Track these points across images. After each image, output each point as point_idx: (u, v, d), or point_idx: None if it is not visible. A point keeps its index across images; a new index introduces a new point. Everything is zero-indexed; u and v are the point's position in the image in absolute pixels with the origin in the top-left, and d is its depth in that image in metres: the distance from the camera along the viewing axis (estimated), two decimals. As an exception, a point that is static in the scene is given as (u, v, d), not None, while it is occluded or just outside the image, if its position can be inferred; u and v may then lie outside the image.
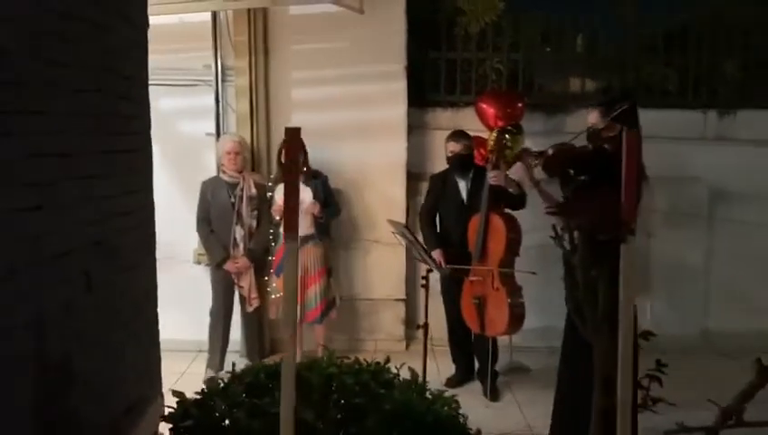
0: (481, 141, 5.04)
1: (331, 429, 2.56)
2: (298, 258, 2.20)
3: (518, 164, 4.00)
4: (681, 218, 5.95)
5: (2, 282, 2.03)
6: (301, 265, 5.20)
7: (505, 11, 5.98)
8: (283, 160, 5.09)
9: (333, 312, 5.43)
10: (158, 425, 2.92)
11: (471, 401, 4.77)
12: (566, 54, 6.27)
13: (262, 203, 5.21)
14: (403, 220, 5.37)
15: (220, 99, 5.72)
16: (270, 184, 5.27)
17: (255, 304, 5.26)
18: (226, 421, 2.61)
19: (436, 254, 4.87)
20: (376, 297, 5.95)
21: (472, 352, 5.21)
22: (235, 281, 5.25)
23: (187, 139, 5.74)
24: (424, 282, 4.50)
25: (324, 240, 5.36)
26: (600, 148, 3.55)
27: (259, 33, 5.63)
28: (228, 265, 5.17)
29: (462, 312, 5.00)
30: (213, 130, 5.73)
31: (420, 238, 4.90)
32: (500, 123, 4.98)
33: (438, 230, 5.19)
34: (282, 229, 5.21)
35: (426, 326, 4.51)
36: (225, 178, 5.22)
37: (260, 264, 5.27)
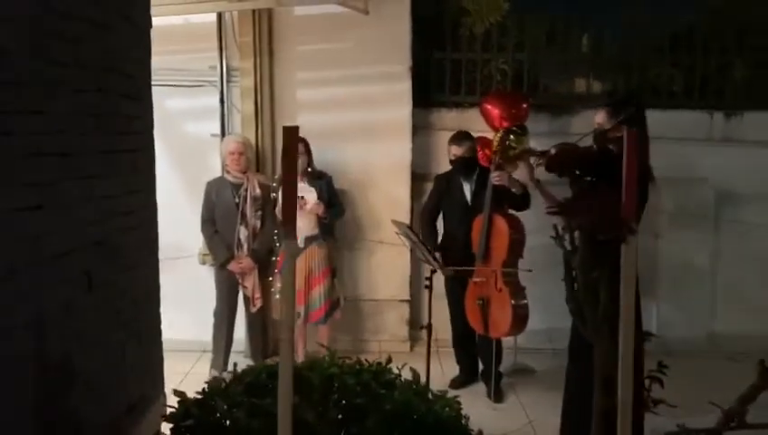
0: (485, 142, 5.02)
1: (331, 429, 2.56)
2: (296, 257, 2.19)
3: (520, 164, 3.99)
4: (687, 220, 5.92)
5: (2, 282, 2.04)
6: (305, 266, 5.21)
7: (510, 11, 5.96)
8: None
9: (337, 312, 5.43)
10: (160, 425, 2.91)
11: (475, 402, 4.78)
12: (571, 55, 6.24)
13: (266, 203, 5.21)
14: (407, 221, 5.36)
15: (225, 99, 5.73)
16: (274, 184, 5.27)
17: (259, 304, 5.26)
18: (227, 421, 2.62)
19: None
20: (380, 298, 5.94)
21: (476, 354, 5.20)
22: (240, 281, 5.26)
23: (192, 139, 5.76)
24: (428, 283, 4.51)
25: (328, 241, 5.36)
26: (604, 149, 3.54)
27: (264, 34, 5.64)
28: (232, 266, 5.18)
29: (466, 313, 4.99)
30: (218, 130, 5.74)
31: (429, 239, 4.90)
32: (505, 124, 4.96)
33: (442, 231, 5.18)
34: (285, 230, 5.25)
35: (429, 327, 4.50)
36: (230, 178, 5.23)
37: (264, 264, 5.27)
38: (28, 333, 2.18)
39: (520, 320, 4.80)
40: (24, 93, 2.14)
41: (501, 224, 4.77)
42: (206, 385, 2.81)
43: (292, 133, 1.75)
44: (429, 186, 5.43)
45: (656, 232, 5.84)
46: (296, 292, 5.11)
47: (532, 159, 3.83)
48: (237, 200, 5.18)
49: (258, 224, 5.22)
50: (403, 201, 5.80)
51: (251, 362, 4.88)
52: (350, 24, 5.56)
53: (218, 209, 5.23)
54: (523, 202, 4.75)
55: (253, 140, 5.57)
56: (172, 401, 2.79)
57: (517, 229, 4.79)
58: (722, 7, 6.14)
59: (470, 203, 5.02)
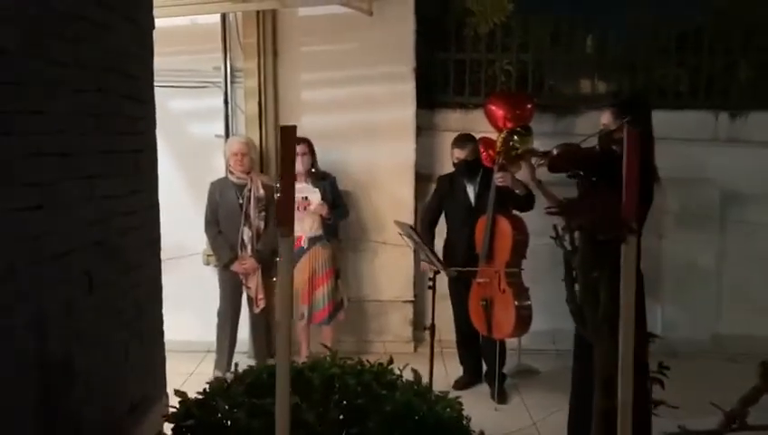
0: (489, 142, 5.01)
1: (331, 429, 2.55)
2: (293, 256, 2.19)
3: (522, 164, 3.98)
4: (693, 220, 5.89)
5: (2, 282, 2.04)
6: (309, 267, 5.22)
7: (515, 12, 5.94)
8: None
9: (341, 313, 5.43)
10: (162, 424, 2.92)
11: (479, 403, 4.77)
12: (576, 55, 6.22)
13: (269, 204, 5.21)
14: (411, 222, 5.35)
15: (229, 100, 5.73)
16: (278, 185, 5.25)
17: (262, 304, 5.26)
18: (228, 421, 2.62)
19: None
20: (384, 299, 5.94)
21: (480, 355, 5.19)
22: (243, 282, 5.26)
23: (196, 140, 5.76)
24: (431, 284, 4.51)
25: (332, 241, 5.36)
26: (607, 149, 3.52)
27: (268, 35, 5.64)
28: (235, 266, 5.18)
29: (469, 314, 4.98)
30: (222, 131, 5.73)
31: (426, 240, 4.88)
32: (509, 125, 4.95)
33: (445, 232, 5.18)
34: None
35: (432, 328, 4.50)
36: (233, 179, 5.23)
37: (267, 265, 5.27)
38: (28, 332, 2.18)
39: (523, 321, 4.78)
40: (23, 93, 2.15)
41: (504, 225, 4.76)
42: (207, 385, 2.82)
43: (289, 133, 1.75)
44: (433, 187, 5.42)
45: (660, 232, 5.81)
46: (300, 292, 5.20)
47: (534, 160, 3.82)
48: (241, 201, 5.18)
49: (262, 224, 5.22)
50: (407, 202, 5.79)
51: (254, 363, 4.89)
52: (353, 25, 5.55)
53: (222, 210, 5.23)
54: (526, 203, 4.73)
55: (256, 141, 5.58)
56: (174, 401, 2.79)
57: (521, 230, 4.78)
58: (727, 8, 6.10)
59: (474, 205, 5.01)
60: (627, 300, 2.04)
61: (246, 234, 5.18)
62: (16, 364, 2.13)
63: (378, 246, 5.84)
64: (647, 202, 3.65)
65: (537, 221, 4.71)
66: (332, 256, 5.33)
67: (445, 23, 6.05)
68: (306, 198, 5.13)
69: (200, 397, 2.73)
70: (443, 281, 4.86)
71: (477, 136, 5.13)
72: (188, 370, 5.23)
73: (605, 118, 3.75)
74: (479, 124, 5.46)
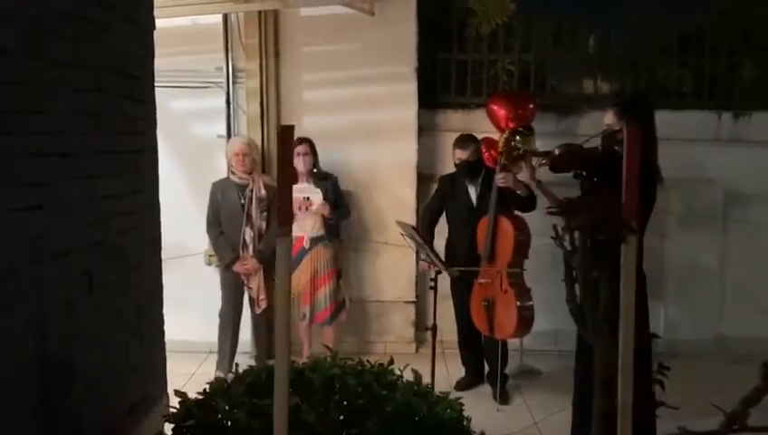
0: (491, 143, 5.00)
1: (332, 430, 2.55)
2: (291, 254, 2.19)
3: (523, 164, 3.98)
4: (695, 220, 5.87)
5: (1, 282, 2.04)
6: (310, 267, 5.21)
7: (516, 11, 5.93)
8: (293, 162, 5.17)
9: (343, 313, 5.43)
10: (162, 425, 2.92)
11: (481, 404, 4.77)
12: (578, 55, 6.21)
13: (271, 204, 5.21)
14: (413, 222, 5.34)
15: (231, 101, 5.74)
16: (280, 185, 5.26)
17: (264, 305, 5.25)
18: (228, 422, 2.61)
19: None
20: (386, 299, 5.93)
21: (482, 355, 5.18)
22: (245, 282, 5.26)
23: (198, 140, 5.77)
24: (433, 284, 4.50)
25: (334, 242, 5.36)
26: (610, 149, 3.51)
27: (270, 36, 5.64)
28: (237, 267, 5.18)
29: (471, 314, 4.98)
30: (224, 131, 5.74)
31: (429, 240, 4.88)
32: (511, 125, 4.94)
33: (447, 233, 5.17)
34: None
35: (434, 329, 4.49)
36: (235, 179, 5.23)
37: (269, 265, 5.25)
38: (28, 332, 2.18)
39: (525, 321, 4.77)
40: (23, 93, 2.15)
41: (506, 225, 4.75)
42: (207, 386, 2.81)
43: (287, 133, 1.74)
44: (435, 187, 5.41)
45: (663, 233, 5.80)
46: (302, 293, 5.20)
47: (536, 160, 3.81)
48: (243, 201, 5.18)
49: (263, 225, 5.22)
50: (409, 202, 5.79)
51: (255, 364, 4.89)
52: (355, 26, 5.55)
53: (224, 210, 5.23)
54: (528, 204, 4.72)
55: (258, 142, 5.58)
56: (174, 401, 2.79)
57: (522, 231, 4.77)
58: (730, 8, 6.09)
59: (475, 205, 5.00)
60: (627, 300, 2.03)
61: (248, 234, 5.18)
62: (16, 364, 2.13)
63: (379, 246, 5.84)
64: (650, 202, 3.64)
65: (539, 221, 4.70)
66: (334, 257, 5.32)
67: (446, 23, 6.03)
68: (308, 198, 5.13)
69: (200, 397, 2.73)
70: (445, 281, 4.86)
71: (479, 136, 5.12)
72: (190, 370, 5.23)
73: (608, 118, 3.75)
74: (481, 124, 5.45)
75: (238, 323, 5.36)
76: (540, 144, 4.98)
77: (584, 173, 3.56)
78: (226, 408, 2.63)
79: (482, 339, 5.10)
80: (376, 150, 5.74)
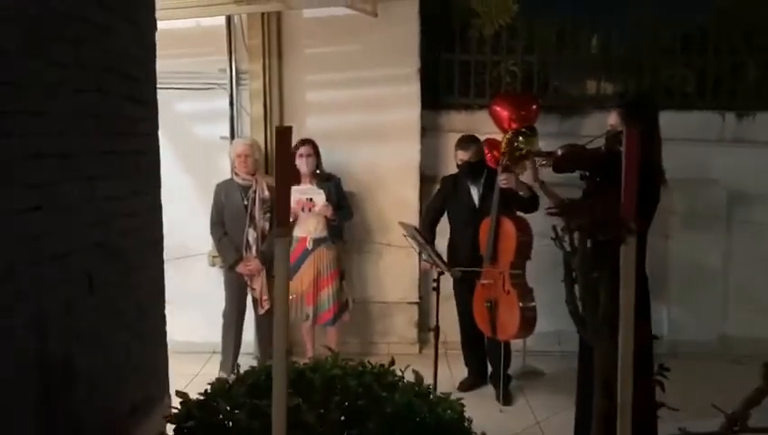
0: (494, 143, 5.00)
1: (332, 431, 2.55)
2: (289, 254, 2.19)
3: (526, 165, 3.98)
4: (699, 221, 5.86)
5: (2, 282, 2.05)
6: (313, 268, 5.21)
7: (519, 13, 5.93)
8: (296, 163, 5.18)
9: (346, 315, 5.42)
10: (164, 425, 2.93)
11: (484, 404, 4.76)
12: (581, 56, 6.20)
13: (274, 205, 5.20)
14: (416, 223, 5.34)
15: (234, 102, 5.75)
16: (282, 187, 5.26)
17: (267, 306, 5.25)
18: (229, 423, 2.62)
19: None
20: (389, 300, 5.93)
21: (485, 356, 5.17)
22: (248, 283, 5.26)
23: (201, 142, 5.78)
24: (435, 285, 4.50)
25: (337, 243, 5.36)
26: (613, 150, 3.51)
27: (273, 37, 5.65)
28: (240, 268, 5.19)
29: (474, 315, 4.97)
30: (227, 133, 5.75)
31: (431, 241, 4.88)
32: (514, 126, 4.94)
33: (449, 234, 5.16)
34: (294, 232, 5.25)
35: (437, 329, 4.49)
36: (238, 180, 5.24)
37: (272, 266, 5.25)
38: (28, 332, 2.19)
39: (528, 322, 4.76)
40: (23, 94, 2.15)
41: (508, 226, 4.74)
42: (208, 386, 2.82)
43: (284, 134, 1.75)
44: (438, 188, 5.41)
45: (667, 233, 5.79)
46: (305, 294, 5.20)
47: (538, 160, 3.81)
48: (246, 202, 5.18)
49: (267, 226, 5.22)
50: (412, 203, 5.79)
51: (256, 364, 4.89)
52: (358, 27, 5.55)
53: (227, 211, 5.24)
54: (530, 204, 4.71)
55: (261, 143, 5.58)
56: (176, 402, 2.79)
57: (525, 231, 4.76)
58: (733, 8, 6.07)
59: (477, 206, 5.00)
60: (627, 300, 2.03)
61: (251, 235, 5.19)
62: (16, 364, 2.14)
63: (382, 247, 5.84)
64: (653, 203, 3.63)
65: (541, 222, 4.70)
66: (337, 258, 5.32)
67: (449, 24, 6.03)
68: (311, 199, 5.13)
69: (201, 398, 2.73)
70: (448, 282, 4.86)
71: (482, 137, 5.12)
72: (194, 371, 5.23)
73: (612, 119, 3.75)
74: (484, 125, 5.45)
75: (241, 324, 5.37)
76: (543, 145, 4.97)
77: (587, 174, 3.56)
78: (227, 408, 2.63)
79: (485, 340, 5.09)
80: (379, 152, 5.74)
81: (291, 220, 5.12)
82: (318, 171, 5.27)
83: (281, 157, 1.75)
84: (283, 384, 1.89)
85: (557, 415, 4.44)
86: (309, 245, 5.21)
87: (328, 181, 5.28)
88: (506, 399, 4.94)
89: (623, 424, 2.00)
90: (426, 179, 5.84)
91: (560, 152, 3.54)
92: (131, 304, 2.95)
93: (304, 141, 5.18)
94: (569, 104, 6.02)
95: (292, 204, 5.12)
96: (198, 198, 5.53)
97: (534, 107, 5.22)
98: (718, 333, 5.93)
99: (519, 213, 4.85)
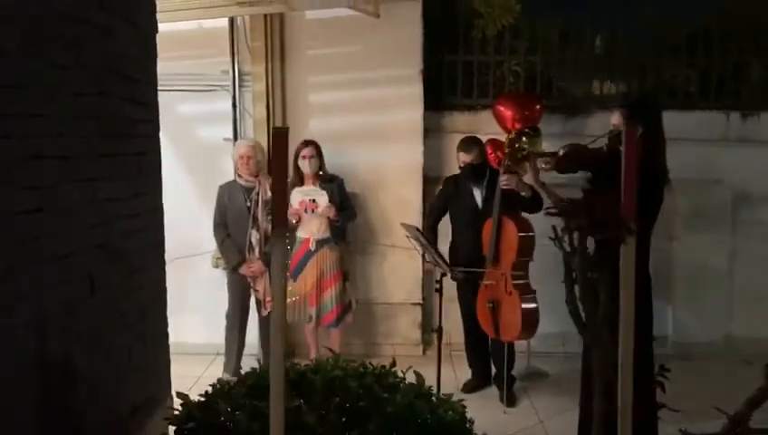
0: (497, 144, 4.98)
1: (332, 432, 2.55)
2: (286, 255, 2.18)
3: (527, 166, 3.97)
4: (704, 221, 5.84)
5: (2, 282, 2.05)
6: (316, 269, 5.20)
7: (522, 13, 5.91)
8: (298, 164, 5.18)
9: (349, 316, 5.41)
10: (167, 427, 2.93)
11: (487, 406, 4.76)
12: (585, 56, 6.19)
13: (277, 207, 5.21)
14: (419, 224, 5.34)
15: (237, 104, 5.75)
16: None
17: (270, 307, 5.25)
18: (230, 424, 2.61)
19: None
20: (392, 301, 5.92)
21: (489, 358, 5.16)
22: (251, 285, 5.27)
23: (204, 143, 5.79)
24: (438, 286, 4.49)
25: (340, 244, 5.35)
26: (615, 150, 3.50)
27: (275, 39, 5.65)
28: (243, 269, 5.18)
29: (477, 316, 4.96)
30: (230, 134, 5.76)
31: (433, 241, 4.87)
32: (517, 126, 4.93)
33: (450, 234, 5.15)
34: (297, 233, 5.26)
35: (440, 331, 4.48)
36: (241, 182, 5.24)
37: (275, 267, 5.27)
38: (28, 333, 2.19)
39: (530, 323, 4.74)
40: (23, 95, 2.16)
41: (510, 227, 4.73)
42: (209, 388, 2.82)
43: (281, 135, 1.74)
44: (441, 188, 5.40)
45: (671, 234, 5.77)
46: (308, 295, 5.20)
47: (540, 162, 3.80)
48: (249, 204, 5.18)
49: (270, 227, 5.21)
50: (415, 204, 5.78)
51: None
52: (361, 28, 5.55)
53: (230, 213, 5.24)
54: (532, 205, 4.69)
55: (264, 144, 5.57)
56: (178, 403, 2.79)
57: (527, 232, 4.74)
58: (737, 8, 6.04)
59: (480, 207, 4.98)
60: (626, 301, 2.02)
61: (254, 236, 5.19)
62: (16, 364, 2.14)
63: (386, 248, 5.83)
64: (657, 203, 3.62)
65: (543, 223, 4.68)
66: (340, 259, 5.31)
67: (452, 25, 6.02)
68: (314, 200, 5.13)
69: (202, 399, 2.74)
70: (451, 283, 4.85)
71: (485, 138, 5.11)
72: (197, 373, 5.24)
73: (614, 119, 3.74)
74: (487, 126, 5.44)
75: (245, 326, 5.36)
76: (547, 145, 4.96)
77: (593, 177, 3.56)
78: (228, 410, 2.63)
79: (489, 341, 5.08)
80: (382, 153, 5.74)
81: (294, 222, 5.16)
82: (321, 172, 5.26)
83: (278, 157, 1.75)
84: (281, 385, 1.89)
85: (561, 416, 4.42)
86: (312, 246, 5.20)
87: (331, 182, 5.27)
88: (510, 400, 4.93)
89: (624, 425, 1.99)
90: (428, 180, 5.83)
91: (561, 152, 3.53)
92: (133, 305, 2.95)
93: (307, 143, 5.18)
94: (572, 104, 6.00)
95: (295, 205, 5.13)
96: (201, 199, 5.54)
97: (538, 107, 5.21)
98: (723, 334, 5.91)
99: (523, 213, 4.84)
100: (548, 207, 3.32)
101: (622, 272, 2.02)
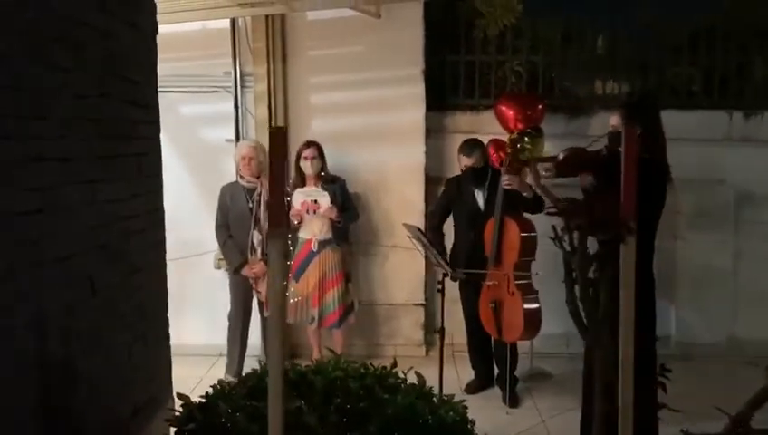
0: (500, 144, 4.98)
1: (332, 432, 2.54)
2: (284, 255, 2.17)
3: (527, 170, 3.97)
4: (707, 221, 5.82)
5: (1, 282, 2.06)
6: (319, 270, 5.20)
7: (524, 13, 5.90)
8: (300, 165, 5.18)
9: (352, 317, 5.41)
10: (168, 428, 2.93)
11: (490, 407, 4.75)
12: (587, 56, 6.18)
13: (279, 208, 5.20)
14: (421, 224, 5.34)
15: (239, 105, 5.75)
16: (288, 189, 5.26)
17: (272, 308, 5.25)
18: (230, 425, 2.61)
19: None
20: (395, 302, 5.92)
21: (492, 358, 5.15)
22: (253, 286, 5.27)
23: (206, 144, 5.79)
24: (440, 286, 4.48)
25: (342, 245, 5.34)
26: (615, 151, 3.49)
27: (277, 40, 5.65)
28: (245, 271, 5.18)
29: (480, 317, 4.95)
30: (232, 135, 5.76)
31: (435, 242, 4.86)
32: (520, 126, 4.92)
33: (453, 235, 5.15)
34: (299, 234, 5.26)
35: (442, 331, 4.47)
36: (243, 183, 5.24)
37: (277, 268, 5.26)
38: (28, 333, 2.20)
39: (532, 323, 4.73)
40: (24, 97, 2.16)
41: (512, 227, 4.72)
42: (210, 389, 2.82)
43: (278, 135, 1.74)
44: (443, 189, 5.40)
45: (675, 233, 5.75)
46: (310, 296, 5.19)
47: (540, 168, 3.80)
48: (251, 205, 5.19)
49: (272, 228, 5.21)
50: (417, 204, 5.77)
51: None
52: (362, 28, 5.55)
53: (232, 214, 5.24)
54: (534, 205, 4.68)
55: (266, 145, 5.56)
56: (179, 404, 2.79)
57: (529, 232, 4.73)
58: (739, 6, 6.03)
59: (482, 209, 4.96)
60: (627, 300, 2.01)
61: (256, 238, 5.19)
62: (16, 364, 2.14)
63: (388, 249, 5.83)
64: (659, 203, 3.61)
65: (545, 223, 4.67)
66: (342, 260, 5.31)
67: (454, 25, 6.01)
68: (315, 201, 5.13)
69: (203, 400, 2.74)
70: (454, 284, 4.85)
71: (487, 138, 5.10)
72: (200, 374, 5.24)
73: (613, 120, 3.74)
74: (489, 126, 5.43)
75: (247, 327, 5.36)
76: (549, 145, 4.96)
77: (595, 182, 3.55)
78: (228, 411, 2.63)
79: (491, 342, 5.07)
80: (384, 153, 5.73)
81: (296, 222, 5.16)
82: (323, 173, 5.26)
83: (275, 156, 1.75)
84: (279, 386, 1.88)
85: (563, 417, 4.41)
86: (314, 247, 5.20)
87: (333, 183, 5.27)
88: (513, 401, 4.92)
89: (624, 425, 1.98)
90: (431, 181, 5.82)
91: (561, 156, 3.53)
92: (133, 305, 2.96)
93: (309, 143, 5.18)
94: (575, 104, 5.99)
95: (297, 206, 5.13)
96: (203, 200, 5.54)
97: (540, 107, 5.21)
98: (727, 334, 5.89)
99: (525, 214, 4.83)
100: (548, 207, 3.32)
101: (622, 272, 2.01)
